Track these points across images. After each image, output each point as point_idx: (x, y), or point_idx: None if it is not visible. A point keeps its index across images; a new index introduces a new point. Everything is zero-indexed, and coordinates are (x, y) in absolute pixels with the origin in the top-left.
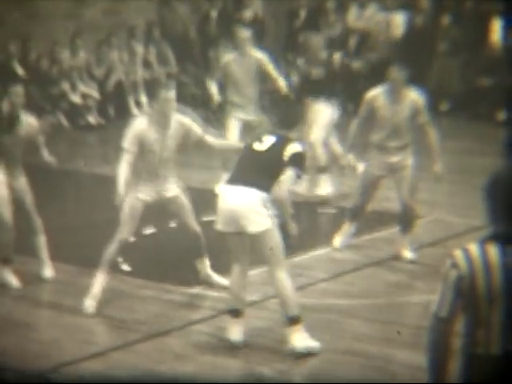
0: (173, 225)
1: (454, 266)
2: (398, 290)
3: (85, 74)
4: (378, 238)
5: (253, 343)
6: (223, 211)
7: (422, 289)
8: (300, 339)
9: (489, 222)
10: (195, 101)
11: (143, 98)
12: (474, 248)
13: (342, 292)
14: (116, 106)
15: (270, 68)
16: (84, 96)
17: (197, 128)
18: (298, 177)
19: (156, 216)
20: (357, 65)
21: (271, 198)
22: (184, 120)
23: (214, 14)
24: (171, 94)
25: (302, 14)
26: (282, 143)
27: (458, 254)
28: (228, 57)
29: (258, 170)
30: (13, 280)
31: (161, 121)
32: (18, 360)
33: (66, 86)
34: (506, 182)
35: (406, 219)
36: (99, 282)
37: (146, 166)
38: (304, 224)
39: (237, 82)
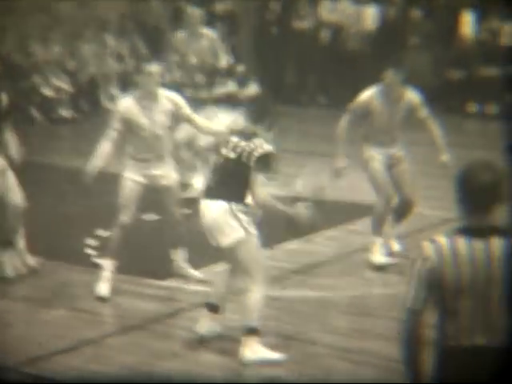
0: (146, 217)
1: (423, 257)
2: (372, 281)
3: (57, 68)
4: (350, 229)
5: (228, 337)
6: (203, 226)
7: (396, 280)
8: (251, 352)
9: (459, 214)
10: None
11: (116, 92)
12: (443, 240)
13: (316, 284)
14: (89, 99)
15: (219, 47)
16: (57, 89)
17: (186, 106)
18: (269, 176)
19: None
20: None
21: (245, 206)
22: (173, 96)
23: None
24: (154, 67)
25: (274, 6)
26: (248, 147)
27: (427, 245)
28: (179, 36)
29: (227, 180)
30: (9, 268)
31: (146, 96)
32: None
33: (38, 79)
34: (474, 176)
35: (403, 211)
36: (108, 268)
37: (139, 144)
38: (278, 216)
39: (188, 63)
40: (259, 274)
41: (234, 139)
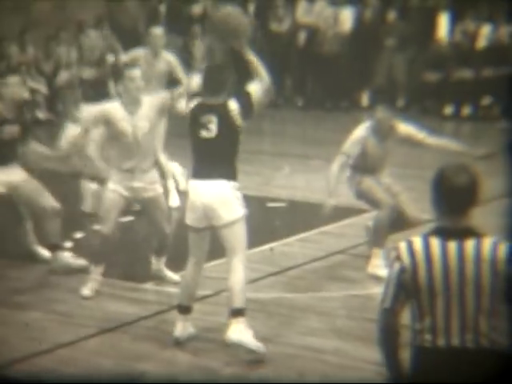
0: (124, 219)
1: (398, 257)
2: (347, 283)
3: (33, 70)
4: (325, 231)
5: (203, 338)
6: (195, 207)
7: (371, 282)
8: (236, 331)
9: (435, 215)
10: None
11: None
12: (417, 240)
13: (291, 286)
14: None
15: (180, 71)
16: (32, 91)
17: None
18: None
19: None
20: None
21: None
22: (156, 98)
23: (162, 8)
24: (136, 72)
25: (251, 8)
26: (225, 119)
27: (402, 246)
28: (137, 53)
29: (218, 159)
30: (76, 261)
31: (128, 101)
32: None
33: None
34: (450, 178)
35: (402, 223)
36: (95, 272)
37: (122, 152)
38: (253, 218)
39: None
40: (244, 253)
41: (208, 118)
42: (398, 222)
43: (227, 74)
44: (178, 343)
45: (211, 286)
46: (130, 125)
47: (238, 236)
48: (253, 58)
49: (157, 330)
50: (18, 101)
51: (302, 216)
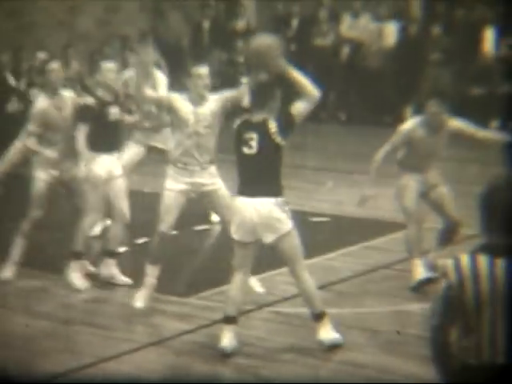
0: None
1: (445, 274)
2: (389, 298)
3: (77, 85)
4: (369, 246)
5: (244, 352)
6: (242, 223)
7: (414, 297)
8: (326, 333)
9: (482, 231)
10: None
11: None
12: (464, 258)
13: (333, 301)
14: None
15: (162, 89)
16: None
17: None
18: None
19: (149, 225)
20: None
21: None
22: (220, 96)
23: (206, 24)
24: (203, 69)
25: (294, 23)
26: (265, 136)
27: (449, 263)
28: (129, 74)
29: (261, 175)
30: (122, 277)
31: (194, 97)
32: (10, 371)
33: None
34: (498, 193)
35: (450, 235)
36: (152, 274)
37: (183, 143)
38: (297, 233)
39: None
40: (303, 261)
41: (249, 135)
42: (450, 232)
43: (272, 92)
44: (225, 355)
45: (252, 301)
46: (193, 116)
47: (292, 247)
48: (297, 77)
49: (200, 344)
50: (114, 86)
51: (346, 230)
